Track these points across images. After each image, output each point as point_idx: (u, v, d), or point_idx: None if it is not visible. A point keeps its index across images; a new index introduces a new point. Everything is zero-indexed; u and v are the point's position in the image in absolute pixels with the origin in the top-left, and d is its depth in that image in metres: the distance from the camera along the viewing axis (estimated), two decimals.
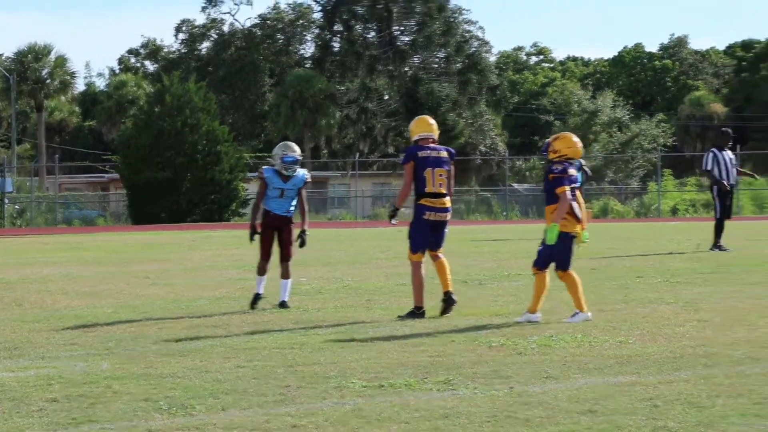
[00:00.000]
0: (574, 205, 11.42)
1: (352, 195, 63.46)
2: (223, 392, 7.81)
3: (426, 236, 12.04)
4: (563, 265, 11.44)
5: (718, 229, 22.21)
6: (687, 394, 7.41)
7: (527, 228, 32.13)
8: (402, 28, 75.70)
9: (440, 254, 12.15)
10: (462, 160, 71.97)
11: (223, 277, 17.82)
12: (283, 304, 13.20)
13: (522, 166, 74.78)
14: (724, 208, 22.39)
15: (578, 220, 11.46)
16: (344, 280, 16.93)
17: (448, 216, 12.16)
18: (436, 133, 12.40)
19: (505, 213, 56.29)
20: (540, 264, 11.52)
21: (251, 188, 47.70)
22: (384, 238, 29.88)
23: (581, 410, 7.00)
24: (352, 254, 23.68)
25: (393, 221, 12.38)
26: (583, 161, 29.89)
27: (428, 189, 11.99)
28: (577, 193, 11.69)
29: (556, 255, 11.43)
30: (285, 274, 13.39)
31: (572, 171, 11.61)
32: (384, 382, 8.06)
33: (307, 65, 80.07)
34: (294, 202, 13.60)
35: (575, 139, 11.81)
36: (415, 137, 12.28)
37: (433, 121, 12.53)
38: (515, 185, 67.97)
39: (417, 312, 11.97)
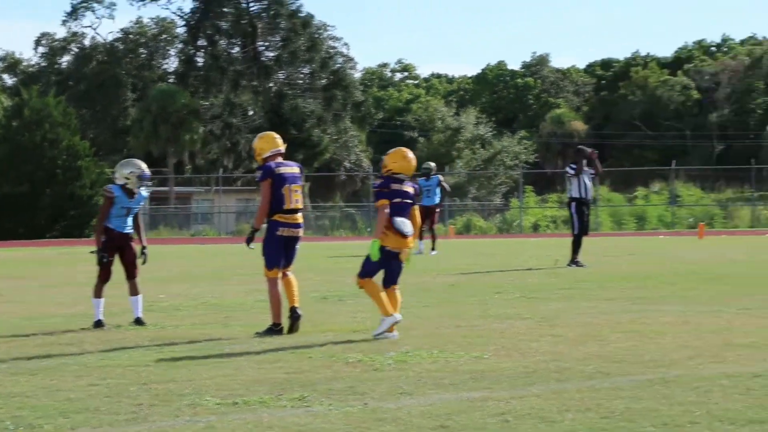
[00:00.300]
0: (397, 220, 11.36)
1: (215, 211, 63.04)
2: (74, 411, 7.67)
3: (280, 252, 11.99)
4: (363, 273, 11.43)
5: (576, 246, 22.58)
6: (538, 409, 7.49)
7: None
8: (266, 43, 75.55)
9: (289, 272, 12.10)
10: (327, 176, 72.05)
11: (80, 294, 17.50)
12: (138, 321, 13.05)
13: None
14: (581, 224, 22.76)
15: (403, 236, 11.39)
16: (203, 296, 16.79)
17: (301, 232, 12.15)
18: (283, 147, 12.36)
19: (369, 229, 56.45)
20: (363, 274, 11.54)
21: None
22: (246, 254, 29.70)
23: (433, 426, 7.03)
24: (214, 270, 23.51)
25: (251, 246, 12.18)
26: (441, 177, 30.27)
27: (286, 206, 11.96)
28: (414, 209, 11.59)
29: (364, 262, 11.44)
30: (135, 291, 13.26)
31: (398, 186, 11.46)
32: (238, 400, 8.00)
33: (171, 80, 79.38)
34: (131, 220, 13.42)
35: (408, 155, 11.75)
36: (265, 154, 12.21)
37: (278, 137, 12.48)
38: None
39: (275, 328, 11.91)
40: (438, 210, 29.89)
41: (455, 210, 61.05)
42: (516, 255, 28.31)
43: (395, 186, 11.50)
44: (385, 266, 11.47)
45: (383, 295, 11.39)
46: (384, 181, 11.56)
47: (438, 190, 29.50)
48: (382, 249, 11.35)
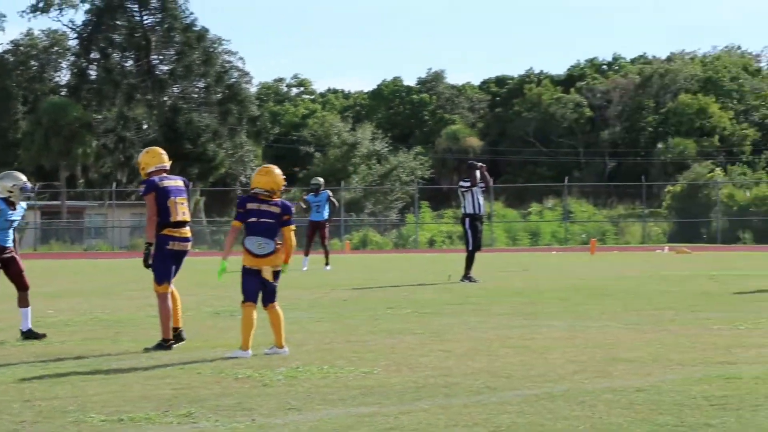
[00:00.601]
0: (246, 240, 11.27)
1: (109, 225, 62.37)
2: None
3: (170, 266, 11.94)
4: (245, 297, 11.34)
5: (469, 261, 22.75)
6: (426, 424, 7.53)
7: None
8: (161, 57, 74.95)
9: (172, 286, 12.04)
10: (222, 190, 71.69)
11: None
12: (29, 333, 12.92)
13: (283, 198, 74.92)
14: (475, 240, 22.94)
15: (255, 255, 11.30)
16: (94, 311, 16.58)
17: (190, 246, 12.11)
18: (168, 164, 12.31)
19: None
20: (249, 298, 11.38)
21: None
22: (140, 269, 29.40)
23: None
24: (106, 285, 23.24)
25: (150, 261, 12.06)
26: (330, 193, 30.32)
27: (173, 218, 11.91)
28: (287, 228, 11.46)
29: (242, 287, 11.37)
30: (25, 303, 13.11)
31: (255, 205, 11.31)
32: (124, 416, 7.91)
33: (63, 93, 78.33)
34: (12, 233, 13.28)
35: (270, 171, 11.57)
36: (149, 169, 12.14)
37: (164, 153, 12.42)
38: None
39: (165, 344, 11.82)
40: (328, 225, 29.87)
41: (351, 225, 61.12)
42: (410, 270, 28.43)
43: (251, 205, 11.41)
44: (252, 284, 11.33)
45: (252, 330, 11.26)
46: (240, 201, 11.54)
47: (327, 206, 29.55)
48: (243, 267, 11.30)
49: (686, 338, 12.11)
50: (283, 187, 11.63)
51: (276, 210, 11.41)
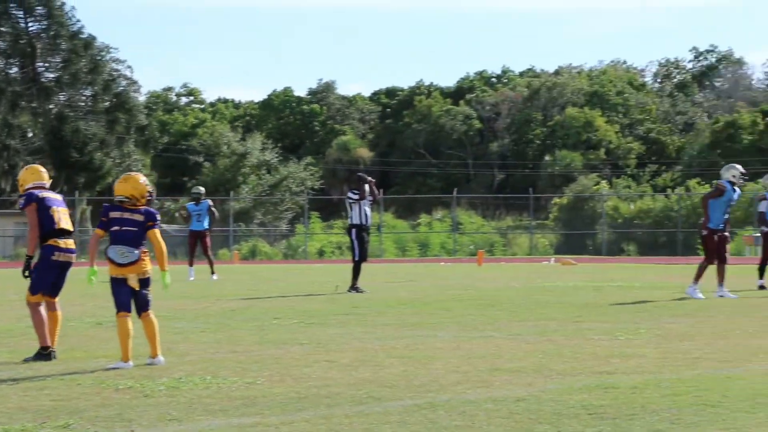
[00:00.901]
0: (109, 249, 11.18)
1: None
2: None
3: (50, 278, 11.81)
4: (118, 308, 11.23)
5: (356, 272, 22.81)
6: None
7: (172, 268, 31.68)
8: (47, 64, 73.86)
9: (56, 303, 11.92)
10: (109, 200, 70.39)
11: None
12: None
13: (171, 207, 74.34)
14: (362, 250, 22.99)
15: (119, 265, 11.19)
16: None
17: (74, 257, 12.01)
18: (48, 182, 12.27)
19: (151, 253, 55.68)
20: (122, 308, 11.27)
21: None
22: (20, 279, 28.90)
23: None
24: None
25: (28, 273, 11.94)
26: (210, 202, 30.14)
27: (57, 226, 11.84)
28: (152, 233, 11.34)
29: (114, 298, 11.27)
30: None
31: (118, 214, 11.24)
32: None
33: None
34: None
35: (129, 178, 11.50)
36: (27, 185, 12.12)
37: (45, 171, 12.37)
38: (164, 226, 67.44)
39: (44, 352, 11.66)
40: (209, 234, 29.65)
41: (240, 236, 60.86)
42: (298, 281, 28.39)
43: (114, 214, 11.32)
44: (122, 294, 11.21)
45: (129, 340, 11.15)
46: (104, 209, 11.45)
47: (208, 215, 29.40)
48: (111, 278, 11.20)
49: (568, 348, 12.26)
50: (148, 195, 11.50)
51: (139, 218, 11.32)
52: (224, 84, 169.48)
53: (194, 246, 29.39)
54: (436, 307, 18.42)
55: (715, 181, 24.02)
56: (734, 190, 20.72)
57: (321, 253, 57.15)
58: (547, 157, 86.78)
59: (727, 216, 20.71)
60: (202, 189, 30.44)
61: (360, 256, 22.93)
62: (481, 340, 13.29)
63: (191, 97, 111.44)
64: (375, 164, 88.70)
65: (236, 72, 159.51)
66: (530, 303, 19.47)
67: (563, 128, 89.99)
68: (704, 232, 20.62)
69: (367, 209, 23.19)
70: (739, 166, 21.28)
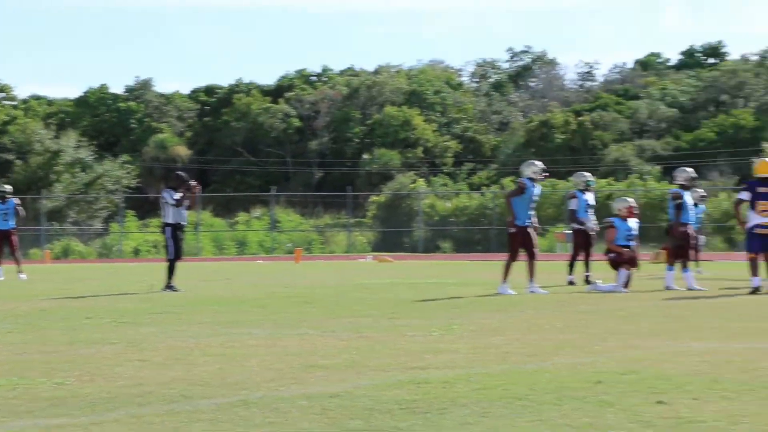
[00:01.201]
0: None
1: None
2: None
3: None
4: None
5: (171, 270, 22.60)
6: None
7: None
8: None
9: None
10: None
11: None
12: None
13: None
14: (177, 249, 22.78)
15: None
16: None
17: None
18: None
19: None
20: None
21: None
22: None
23: None
24: None
25: None
26: (17, 201, 29.50)
27: None
28: None
29: None
30: None
31: None
32: None
33: None
34: None
35: None
36: None
37: None
38: None
39: None
40: (15, 233, 29.00)
41: (53, 235, 59.65)
42: (112, 280, 27.97)
43: None
44: None
45: None
46: None
47: (14, 214, 28.80)
48: None
49: (382, 345, 12.35)
50: None
51: None
52: (38, 81, 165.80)
53: (1, 246, 28.71)
54: (252, 305, 18.37)
55: (516, 179, 24.58)
56: (534, 186, 21.24)
57: (136, 252, 56.45)
58: (365, 156, 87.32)
59: (532, 212, 21.19)
60: (9, 187, 29.77)
61: (175, 254, 22.72)
62: (296, 337, 13.30)
63: (3, 94, 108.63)
64: (193, 162, 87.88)
65: (50, 69, 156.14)
66: (346, 300, 19.58)
67: (382, 126, 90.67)
68: (512, 230, 21.04)
69: (183, 209, 22.99)
70: (539, 162, 21.80)
